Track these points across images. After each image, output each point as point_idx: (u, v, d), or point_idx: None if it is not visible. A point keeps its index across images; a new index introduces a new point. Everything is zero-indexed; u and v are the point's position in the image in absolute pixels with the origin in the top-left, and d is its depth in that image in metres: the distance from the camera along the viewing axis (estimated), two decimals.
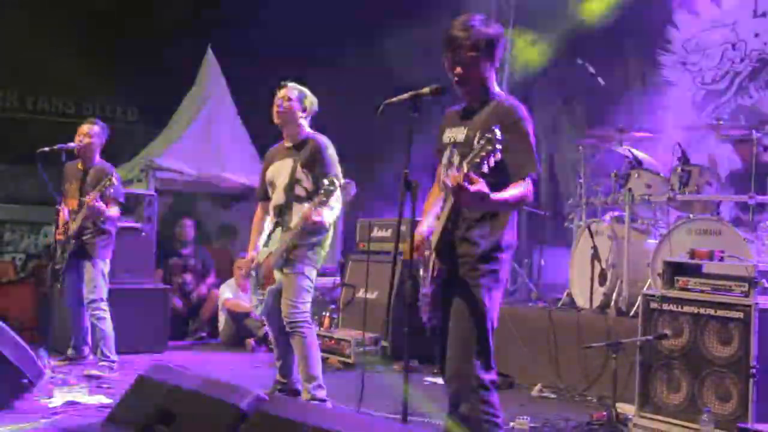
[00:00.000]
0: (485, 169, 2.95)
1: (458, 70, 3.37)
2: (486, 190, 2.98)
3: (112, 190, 5.89)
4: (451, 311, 3.35)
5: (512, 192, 3.18)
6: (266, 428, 2.66)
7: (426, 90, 3.49)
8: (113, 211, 6.04)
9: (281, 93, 5.09)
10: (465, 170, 2.97)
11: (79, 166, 6.27)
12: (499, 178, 3.14)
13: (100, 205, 5.86)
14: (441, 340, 3.43)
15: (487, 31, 3.35)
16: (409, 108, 3.49)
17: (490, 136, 2.94)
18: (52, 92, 10.13)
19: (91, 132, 6.20)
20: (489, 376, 3.31)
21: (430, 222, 3.51)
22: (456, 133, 3.45)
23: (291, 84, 5.14)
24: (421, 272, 3.54)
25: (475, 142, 3.05)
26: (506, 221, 3.36)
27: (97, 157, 6.26)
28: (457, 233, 3.33)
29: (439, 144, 3.56)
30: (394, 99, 3.56)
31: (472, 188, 2.93)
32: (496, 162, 2.98)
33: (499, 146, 2.93)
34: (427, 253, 3.46)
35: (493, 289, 3.34)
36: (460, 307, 3.32)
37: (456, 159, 3.34)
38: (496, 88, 3.48)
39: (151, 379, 3.23)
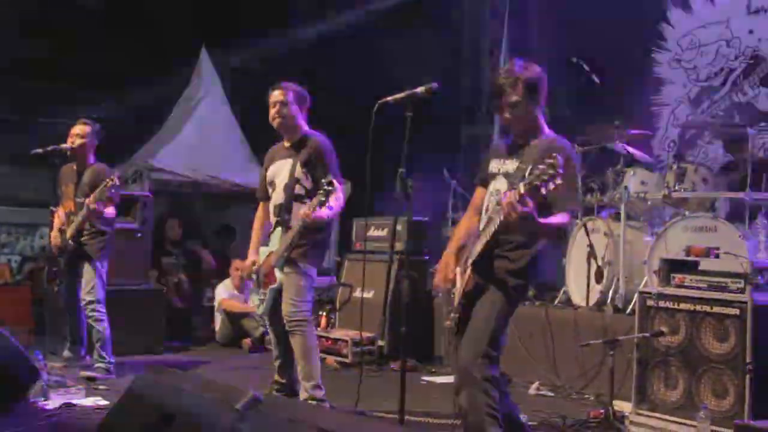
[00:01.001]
0: (543, 191, 3.15)
1: (506, 113, 3.62)
2: (534, 213, 3.24)
3: (113, 191, 5.86)
4: (474, 310, 3.60)
5: (555, 220, 3.44)
6: (263, 429, 2.66)
7: (421, 89, 3.57)
8: (110, 211, 6.01)
9: (275, 97, 5.00)
10: (521, 190, 3.19)
11: (74, 167, 6.23)
12: (539, 206, 3.31)
13: (100, 207, 5.83)
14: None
15: (529, 75, 3.59)
16: (405, 107, 3.53)
17: (552, 161, 3.12)
18: (47, 93, 10.10)
19: (83, 133, 6.15)
20: (493, 372, 3.52)
21: (457, 242, 3.79)
22: (506, 165, 3.69)
23: (282, 85, 5.03)
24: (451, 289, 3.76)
25: (529, 168, 3.26)
26: (539, 249, 3.64)
27: (92, 158, 6.22)
28: (495, 251, 3.60)
29: (484, 173, 3.82)
30: (389, 98, 3.61)
31: (523, 209, 3.20)
32: (553, 187, 3.15)
33: (561, 171, 3.11)
34: (459, 269, 3.71)
35: (514, 302, 3.65)
36: (483, 308, 3.58)
37: (505, 187, 3.56)
38: (546, 128, 3.69)
39: (148, 381, 3.23)
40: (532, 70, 3.62)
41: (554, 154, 3.15)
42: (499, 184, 3.65)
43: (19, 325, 7.20)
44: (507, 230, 3.45)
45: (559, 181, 3.13)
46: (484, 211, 3.74)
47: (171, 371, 3.30)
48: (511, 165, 3.65)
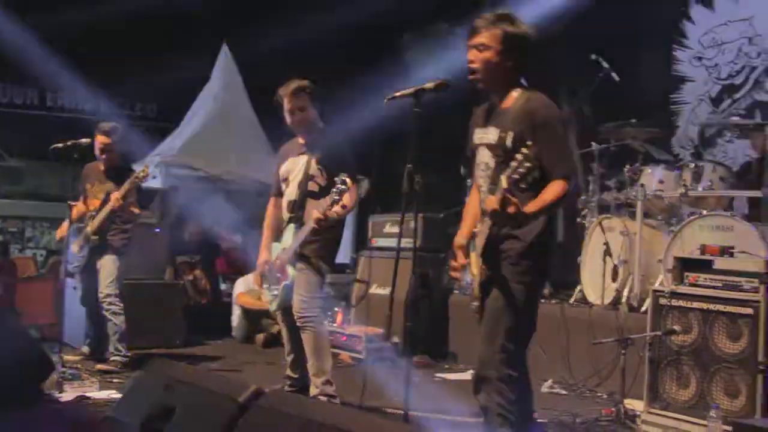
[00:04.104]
0: (524, 185, 2.95)
1: (471, 60, 3.33)
2: (521, 209, 3.01)
3: (142, 185, 5.98)
4: (487, 302, 3.34)
5: (547, 197, 3.17)
6: (264, 422, 2.67)
7: (430, 85, 3.54)
8: (137, 208, 6.14)
9: (291, 102, 4.98)
10: (504, 185, 2.94)
11: (101, 167, 6.32)
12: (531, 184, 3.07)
13: (134, 208, 5.96)
14: None
15: (512, 29, 3.29)
16: (413, 102, 3.52)
17: (527, 152, 2.89)
18: (71, 89, 10.19)
19: (113, 147, 6.25)
20: (510, 371, 3.34)
21: (468, 226, 3.49)
22: (488, 134, 3.37)
23: (298, 89, 4.99)
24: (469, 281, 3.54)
25: (509, 144, 3.09)
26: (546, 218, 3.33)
27: (119, 160, 6.36)
28: (501, 232, 3.29)
29: (471, 145, 3.50)
30: (397, 93, 3.59)
31: (509, 211, 2.98)
32: (534, 177, 2.98)
33: (537, 162, 2.94)
34: (474, 256, 3.44)
35: (530, 285, 3.34)
36: (495, 301, 3.31)
37: (491, 161, 3.33)
38: (518, 82, 3.38)
39: (152, 374, 3.26)
40: (518, 26, 3.30)
41: (527, 142, 2.93)
42: (486, 158, 3.38)
43: (43, 318, 7.29)
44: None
45: (536, 174, 2.97)
46: (476, 188, 3.51)
47: (175, 364, 3.33)
48: (492, 134, 3.32)
